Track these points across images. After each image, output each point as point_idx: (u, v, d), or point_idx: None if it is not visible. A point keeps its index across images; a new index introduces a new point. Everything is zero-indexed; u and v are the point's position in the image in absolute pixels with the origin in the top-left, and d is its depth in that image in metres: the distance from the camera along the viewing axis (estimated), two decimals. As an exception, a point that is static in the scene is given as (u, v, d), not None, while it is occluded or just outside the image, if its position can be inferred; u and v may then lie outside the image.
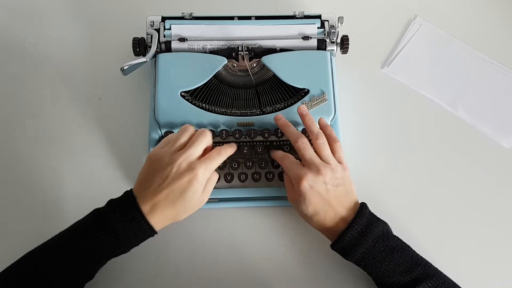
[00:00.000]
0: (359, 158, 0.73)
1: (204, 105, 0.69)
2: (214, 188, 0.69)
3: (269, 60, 0.71)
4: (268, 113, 0.69)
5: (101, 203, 0.59)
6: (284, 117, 0.66)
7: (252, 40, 0.74)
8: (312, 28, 0.74)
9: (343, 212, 0.61)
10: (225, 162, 0.69)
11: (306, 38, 0.73)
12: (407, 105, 0.78)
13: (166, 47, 0.73)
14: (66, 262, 0.57)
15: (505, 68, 0.81)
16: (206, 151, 0.63)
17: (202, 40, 0.73)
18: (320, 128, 0.65)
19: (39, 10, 0.84)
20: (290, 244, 0.69)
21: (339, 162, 0.63)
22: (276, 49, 0.73)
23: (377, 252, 0.59)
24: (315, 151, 0.63)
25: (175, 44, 0.73)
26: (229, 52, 0.73)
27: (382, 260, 0.59)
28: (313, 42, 0.74)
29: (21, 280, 0.56)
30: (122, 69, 0.67)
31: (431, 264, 0.60)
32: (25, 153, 0.74)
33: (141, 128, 0.74)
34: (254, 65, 0.72)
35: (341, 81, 0.75)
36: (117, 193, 0.60)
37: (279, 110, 0.69)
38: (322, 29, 0.75)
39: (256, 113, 0.69)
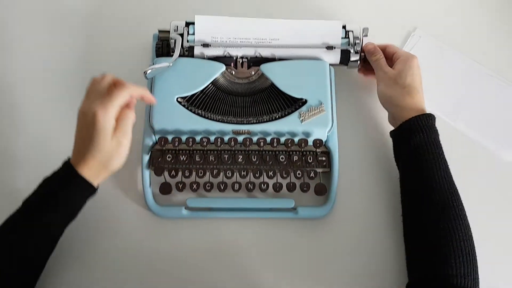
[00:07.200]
0: (355, 169, 0.73)
1: (200, 111, 0.68)
2: (207, 197, 0.69)
3: (267, 69, 0.70)
4: (264, 122, 0.68)
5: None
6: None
7: (275, 47, 0.72)
8: (336, 38, 0.73)
9: (422, 103, 0.69)
10: (218, 170, 0.68)
11: (330, 48, 0.72)
12: (405, 116, 0.77)
13: (189, 52, 0.72)
14: (23, 245, 0.57)
15: (505, 80, 0.80)
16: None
17: (225, 46, 0.72)
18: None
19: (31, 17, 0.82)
20: (282, 256, 0.68)
21: None
22: (275, 57, 0.72)
23: (431, 143, 0.65)
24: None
25: (198, 50, 0.72)
26: (228, 59, 0.72)
27: (433, 156, 0.65)
28: (337, 53, 0.73)
29: None
30: (144, 73, 0.67)
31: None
32: (19, 159, 0.73)
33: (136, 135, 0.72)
34: (253, 73, 0.71)
35: (339, 92, 0.74)
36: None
37: (276, 119, 0.68)
38: (346, 40, 0.74)
39: (253, 122, 0.68)
